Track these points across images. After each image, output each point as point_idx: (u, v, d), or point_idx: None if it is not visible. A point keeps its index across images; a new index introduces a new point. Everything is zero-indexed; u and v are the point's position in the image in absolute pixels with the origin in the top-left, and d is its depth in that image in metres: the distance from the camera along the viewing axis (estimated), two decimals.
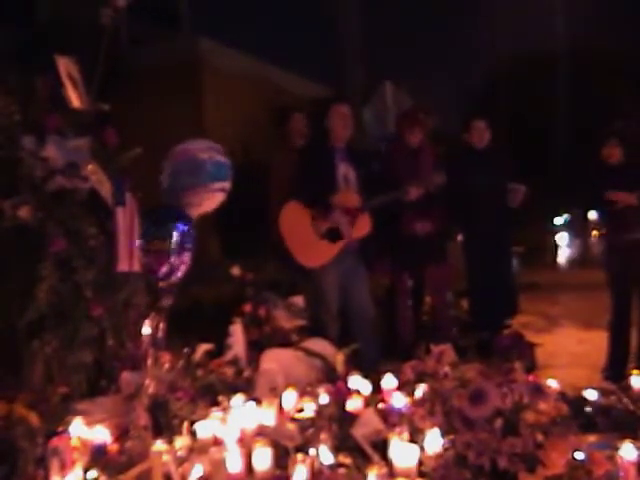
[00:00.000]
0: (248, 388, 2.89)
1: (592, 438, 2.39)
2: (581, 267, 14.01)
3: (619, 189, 3.93)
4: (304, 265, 3.84)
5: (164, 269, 3.04)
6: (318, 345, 3.43)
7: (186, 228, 3.14)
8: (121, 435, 2.34)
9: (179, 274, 3.06)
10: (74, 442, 2.12)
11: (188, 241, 3.13)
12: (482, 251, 4.49)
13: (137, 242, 2.84)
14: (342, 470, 2.15)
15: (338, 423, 2.48)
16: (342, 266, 3.86)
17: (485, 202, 4.42)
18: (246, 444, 2.25)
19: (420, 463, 2.12)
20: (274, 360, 3.14)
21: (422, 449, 2.17)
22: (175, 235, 3.07)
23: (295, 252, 3.81)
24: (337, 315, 3.89)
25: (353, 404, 2.62)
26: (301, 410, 2.61)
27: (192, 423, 2.44)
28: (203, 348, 3.12)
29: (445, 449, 2.14)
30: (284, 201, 3.92)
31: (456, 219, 4.64)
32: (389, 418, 2.48)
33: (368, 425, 2.41)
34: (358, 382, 2.82)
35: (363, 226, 3.88)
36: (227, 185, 3.29)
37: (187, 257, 3.12)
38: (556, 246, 21.94)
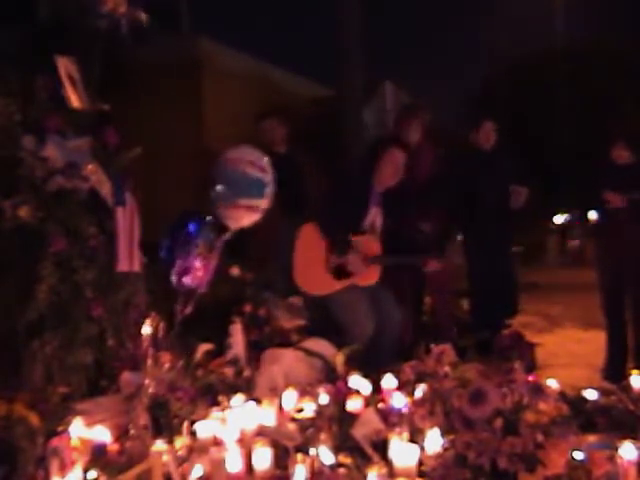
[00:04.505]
0: (248, 388, 2.89)
1: (592, 438, 2.39)
2: (580, 267, 13.99)
3: (621, 190, 3.93)
4: (299, 285, 3.77)
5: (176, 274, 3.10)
6: (318, 345, 3.43)
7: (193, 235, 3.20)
8: (121, 435, 2.34)
9: (189, 280, 3.10)
10: (74, 442, 2.12)
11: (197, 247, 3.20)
12: (483, 251, 4.49)
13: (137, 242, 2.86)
14: (342, 470, 2.15)
15: (338, 423, 2.48)
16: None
17: (488, 203, 4.42)
18: (246, 444, 2.25)
19: (420, 463, 2.12)
20: (274, 360, 3.14)
21: (422, 449, 2.17)
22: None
23: (297, 271, 3.73)
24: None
25: (353, 404, 2.62)
26: (301, 410, 2.61)
27: (192, 423, 2.44)
28: (203, 348, 3.12)
29: (445, 449, 2.14)
30: None
31: (457, 219, 4.63)
32: (389, 418, 2.48)
33: (368, 425, 2.41)
34: (358, 382, 2.83)
35: (371, 276, 3.80)
36: (258, 203, 3.34)
37: (198, 264, 3.17)
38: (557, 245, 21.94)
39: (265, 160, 3.55)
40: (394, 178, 3.82)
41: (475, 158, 4.59)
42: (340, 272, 3.74)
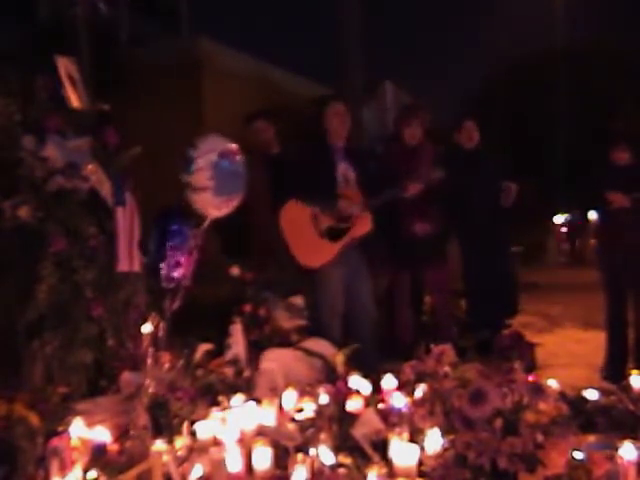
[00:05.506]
0: (248, 388, 2.89)
1: (592, 438, 2.39)
2: (580, 267, 13.99)
3: (621, 190, 3.93)
4: (304, 265, 3.83)
5: (164, 270, 3.06)
6: (318, 345, 3.42)
7: (176, 228, 3.15)
8: (121, 435, 2.34)
9: (176, 275, 3.06)
10: (74, 442, 2.12)
11: (181, 241, 3.13)
12: (476, 251, 4.49)
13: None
14: (342, 470, 2.15)
15: (338, 423, 2.48)
16: (346, 268, 3.83)
17: (477, 202, 4.42)
18: (246, 444, 2.25)
19: (420, 463, 2.12)
20: (274, 360, 3.14)
21: (422, 449, 2.17)
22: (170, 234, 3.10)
23: (295, 251, 3.79)
24: (342, 316, 3.85)
25: (353, 404, 2.62)
26: (301, 410, 2.61)
27: (192, 423, 2.44)
28: (203, 348, 3.12)
29: (445, 449, 2.14)
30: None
31: (451, 219, 4.62)
32: (389, 418, 2.48)
33: (368, 425, 2.41)
34: (358, 382, 2.82)
35: (364, 225, 3.85)
36: (189, 179, 3.27)
37: (183, 258, 3.12)
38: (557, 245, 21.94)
39: (207, 140, 3.43)
40: (344, 127, 3.96)
41: (459, 158, 4.59)
42: (333, 232, 3.79)
